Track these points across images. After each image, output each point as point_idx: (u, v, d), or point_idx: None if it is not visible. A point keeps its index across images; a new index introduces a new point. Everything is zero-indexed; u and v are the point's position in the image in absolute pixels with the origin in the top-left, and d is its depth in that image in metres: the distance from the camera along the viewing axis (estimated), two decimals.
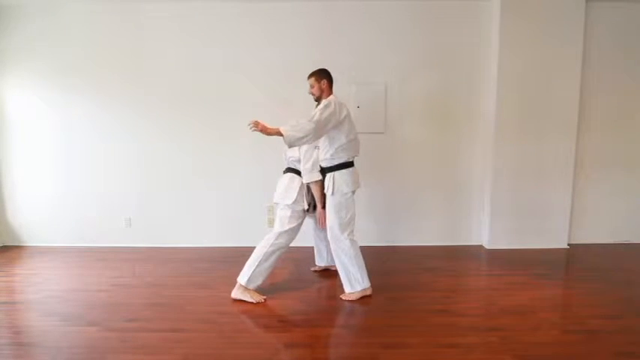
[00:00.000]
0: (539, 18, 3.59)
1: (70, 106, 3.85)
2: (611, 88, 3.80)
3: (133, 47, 3.79)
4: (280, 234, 2.76)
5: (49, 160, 3.94)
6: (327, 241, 2.84)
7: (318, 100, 2.78)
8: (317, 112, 2.55)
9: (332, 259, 2.98)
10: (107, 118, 3.87)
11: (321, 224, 2.93)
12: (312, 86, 2.77)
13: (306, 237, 3.46)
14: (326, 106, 2.58)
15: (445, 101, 3.83)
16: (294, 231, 2.80)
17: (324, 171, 2.75)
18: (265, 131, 2.47)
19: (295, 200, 2.79)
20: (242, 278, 2.73)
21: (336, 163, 2.68)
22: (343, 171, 2.69)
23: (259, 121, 2.47)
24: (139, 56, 3.79)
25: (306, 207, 2.84)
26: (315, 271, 3.29)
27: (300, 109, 3.58)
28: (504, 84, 3.66)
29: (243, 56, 3.78)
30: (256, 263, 2.71)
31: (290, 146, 2.54)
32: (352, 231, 2.74)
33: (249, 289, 2.72)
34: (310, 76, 2.77)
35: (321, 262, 3.27)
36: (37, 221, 4.02)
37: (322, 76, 2.74)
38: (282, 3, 3.69)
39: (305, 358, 2.07)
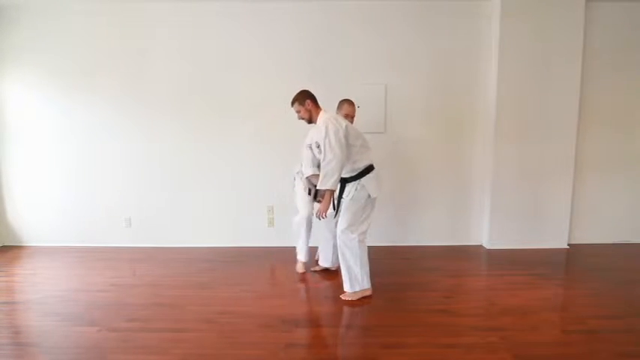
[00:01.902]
0: (539, 18, 3.59)
1: (70, 106, 3.85)
2: (611, 87, 3.80)
3: (133, 47, 3.78)
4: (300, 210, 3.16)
5: (49, 160, 3.94)
6: (335, 243, 2.85)
7: (310, 121, 2.77)
8: (325, 145, 2.53)
9: (336, 260, 2.98)
10: (107, 118, 3.87)
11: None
12: (298, 111, 2.76)
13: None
14: (327, 132, 2.54)
15: (445, 101, 3.83)
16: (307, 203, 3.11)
17: (346, 181, 2.70)
18: (327, 204, 2.65)
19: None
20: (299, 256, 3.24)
21: (359, 171, 2.67)
22: (369, 176, 2.68)
23: (320, 210, 2.68)
24: (140, 56, 3.79)
25: (306, 190, 3.09)
26: (315, 271, 3.29)
27: None
28: (504, 84, 3.66)
29: (243, 56, 3.77)
30: (297, 238, 3.22)
31: (335, 186, 2.59)
32: (364, 232, 2.72)
33: (301, 261, 3.24)
34: (292, 103, 2.76)
35: (325, 263, 3.24)
36: (37, 221, 4.02)
37: (304, 97, 2.73)
38: (283, 3, 3.69)
39: (305, 358, 2.07)
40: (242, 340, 2.24)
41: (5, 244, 4.05)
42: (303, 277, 3.18)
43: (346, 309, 2.63)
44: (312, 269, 3.30)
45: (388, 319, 2.46)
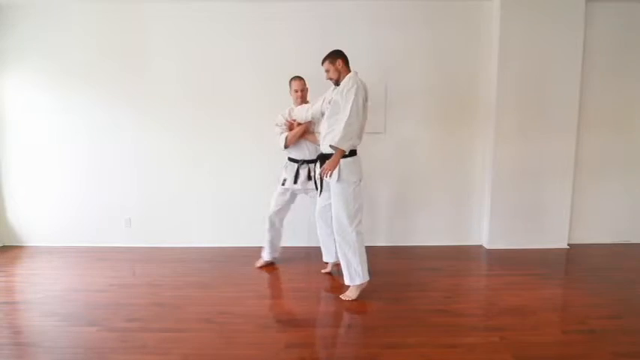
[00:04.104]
0: (539, 18, 3.59)
1: (70, 106, 3.85)
2: (611, 88, 3.80)
3: (132, 47, 3.78)
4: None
5: (49, 159, 3.94)
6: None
7: (337, 82, 2.72)
8: (352, 106, 2.51)
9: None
10: (107, 118, 3.86)
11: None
12: (327, 70, 2.71)
13: (306, 237, 3.47)
14: (356, 93, 2.52)
15: (445, 101, 3.82)
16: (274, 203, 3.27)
17: (325, 157, 2.66)
18: (335, 162, 2.58)
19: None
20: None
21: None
22: (349, 159, 2.63)
23: (326, 168, 2.59)
24: (139, 56, 3.79)
25: (281, 182, 3.21)
26: (327, 272, 3.20)
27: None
28: (504, 84, 3.66)
29: (242, 56, 3.77)
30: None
31: (348, 150, 2.59)
32: (360, 222, 2.70)
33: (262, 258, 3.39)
34: (323, 60, 2.72)
35: (329, 259, 3.18)
36: (37, 221, 4.02)
37: (336, 56, 2.67)
38: (282, 3, 3.69)
39: (305, 358, 2.07)
40: (242, 340, 2.24)
41: (5, 244, 4.05)
42: (302, 277, 3.17)
43: (346, 309, 2.63)
44: (323, 271, 3.23)
45: (388, 319, 2.46)
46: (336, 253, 3.08)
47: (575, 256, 3.69)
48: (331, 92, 2.76)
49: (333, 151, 2.62)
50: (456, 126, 3.87)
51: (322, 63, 2.72)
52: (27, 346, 2.20)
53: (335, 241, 2.93)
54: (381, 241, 3.93)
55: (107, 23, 3.75)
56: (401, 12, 3.71)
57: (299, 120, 3.09)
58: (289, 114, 3.17)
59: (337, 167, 2.60)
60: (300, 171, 3.17)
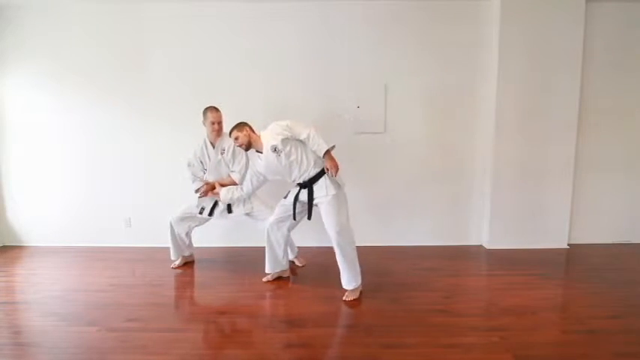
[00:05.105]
0: (539, 18, 3.58)
1: (69, 106, 3.85)
2: (611, 88, 3.80)
3: (132, 47, 3.78)
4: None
5: (50, 159, 3.94)
6: (286, 243, 2.98)
7: (248, 147, 2.77)
8: (294, 126, 2.66)
9: (287, 262, 3.09)
10: (107, 118, 3.87)
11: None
12: (236, 138, 2.74)
13: (306, 237, 3.47)
14: (282, 124, 2.66)
15: (445, 101, 3.82)
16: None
17: (312, 182, 2.70)
18: (335, 160, 2.65)
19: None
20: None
21: (321, 166, 2.70)
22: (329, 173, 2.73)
23: (334, 167, 2.63)
24: (139, 56, 3.79)
25: (199, 210, 3.23)
26: (268, 281, 3.05)
27: (298, 109, 3.60)
28: (504, 84, 3.66)
29: (242, 57, 3.77)
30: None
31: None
32: None
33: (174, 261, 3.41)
34: (230, 132, 2.78)
35: (277, 268, 3.05)
36: (37, 221, 4.02)
37: (242, 125, 2.76)
38: (282, 3, 3.69)
39: (305, 358, 2.07)
40: (242, 340, 2.24)
41: (5, 244, 4.05)
42: (302, 278, 3.17)
43: (346, 309, 2.63)
44: (265, 279, 3.06)
45: (388, 319, 2.46)
46: (283, 260, 3.06)
47: (575, 256, 3.69)
48: (264, 157, 2.74)
49: (317, 170, 2.69)
50: (456, 126, 3.87)
51: (230, 134, 2.79)
52: (27, 346, 2.20)
53: (284, 252, 3.01)
54: (381, 241, 3.93)
55: (107, 23, 3.76)
56: (401, 12, 3.71)
57: (221, 201, 3.11)
58: (201, 155, 3.20)
59: (327, 181, 2.67)
60: (220, 203, 3.22)
